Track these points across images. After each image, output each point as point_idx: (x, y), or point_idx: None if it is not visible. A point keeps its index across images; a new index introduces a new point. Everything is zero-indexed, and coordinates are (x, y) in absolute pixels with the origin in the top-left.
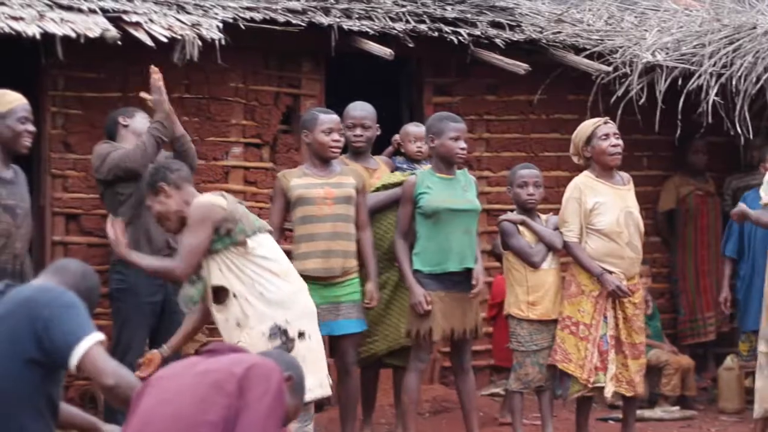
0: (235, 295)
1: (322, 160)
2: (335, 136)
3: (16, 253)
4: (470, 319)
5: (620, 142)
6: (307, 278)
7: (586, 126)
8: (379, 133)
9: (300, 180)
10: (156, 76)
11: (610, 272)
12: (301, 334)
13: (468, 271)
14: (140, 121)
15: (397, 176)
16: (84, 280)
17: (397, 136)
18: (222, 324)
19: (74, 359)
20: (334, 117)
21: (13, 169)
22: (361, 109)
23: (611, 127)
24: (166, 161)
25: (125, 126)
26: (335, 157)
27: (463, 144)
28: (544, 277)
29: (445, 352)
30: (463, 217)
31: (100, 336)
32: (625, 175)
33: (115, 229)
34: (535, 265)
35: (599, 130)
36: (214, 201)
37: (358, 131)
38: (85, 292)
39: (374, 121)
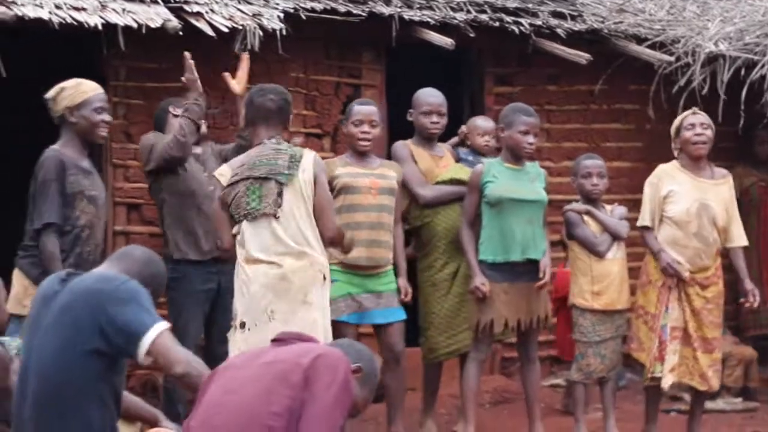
0: None
1: (358, 152)
2: (365, 128)
3: (97, 243)
4: (537, 309)
5: (706, 132)
6: (348, 267)
7: (679, 117)
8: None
9: (344, 169)
10: (187, 54)
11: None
12: (242, 325)
13: (532, 262)
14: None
15: (466, 172)
16: (148, 266)
17: (464, 128)
18: None
19: (143, 349)
20: (367, 109)
21: (88, 159)
22: (436, 96)
23: (698, 118)
24: (258, 88)
25: (176, 116)
26: (365, 149)
27: (531, 138)
28: (609, 266)
29: (508, 342)
30: (527, 208)
31: (166, 324)
32: (720, 171)
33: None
34: (600, 255)
35: (686, 121)
36: (218, 174)
37: (435, 118)
38: (149, 278)
39: (446, 109)
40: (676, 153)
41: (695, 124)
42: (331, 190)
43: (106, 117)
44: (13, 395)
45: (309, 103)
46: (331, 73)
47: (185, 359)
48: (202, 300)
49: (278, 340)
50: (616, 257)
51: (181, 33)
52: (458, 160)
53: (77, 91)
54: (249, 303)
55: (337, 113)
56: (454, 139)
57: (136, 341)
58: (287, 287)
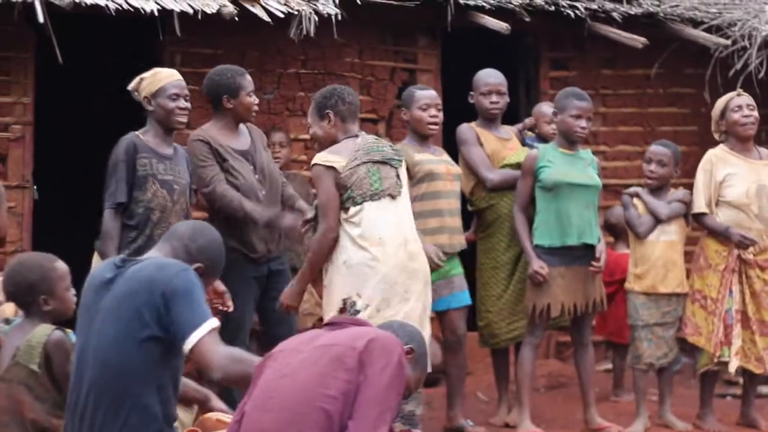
0: (330, 259)
1: (422, 137)
2: (432, 111)
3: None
4: (593, 293)
5: (754, 113)
6: None
7: (722, 99)
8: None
9: (421, 155)
10: None
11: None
12: (367, 307)
13: (588, 247)
14: (245, 98)
15: None
16: (193, 240)
17: (530, 119)
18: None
19: (188, 347)
20: (431, 93)
21: (174, 148)
22: (495, 76)
23: (744, 99)
24: (343, 89)
25: (228, 108)
26: (434, 133)
27: (584, 123)
28: (651, 249)
29: (562, 327)
30: (583, 192)
31: (213, 323)
32: (765, 151)
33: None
34: (639, 236)
35: (732, 103)
36: (325, 162)
37: (494, 98)
38: (197, 253)
39: (506, 88)
40: (718, 136)
41: (742, 106)
42: (412, 177)
43: (182, 103)
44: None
45: (364, 88)
46: (387, 58)
47: (222, 365)
48: (254, 286)
49: (331, 324)
50: (659, 240)
51: (236, 18)
52: (523, 144)
53: (154, 80)
54: (379, 284)
55: (392, 98)
56: (521, 125)
57: (182, 339)
58: (417, 268)
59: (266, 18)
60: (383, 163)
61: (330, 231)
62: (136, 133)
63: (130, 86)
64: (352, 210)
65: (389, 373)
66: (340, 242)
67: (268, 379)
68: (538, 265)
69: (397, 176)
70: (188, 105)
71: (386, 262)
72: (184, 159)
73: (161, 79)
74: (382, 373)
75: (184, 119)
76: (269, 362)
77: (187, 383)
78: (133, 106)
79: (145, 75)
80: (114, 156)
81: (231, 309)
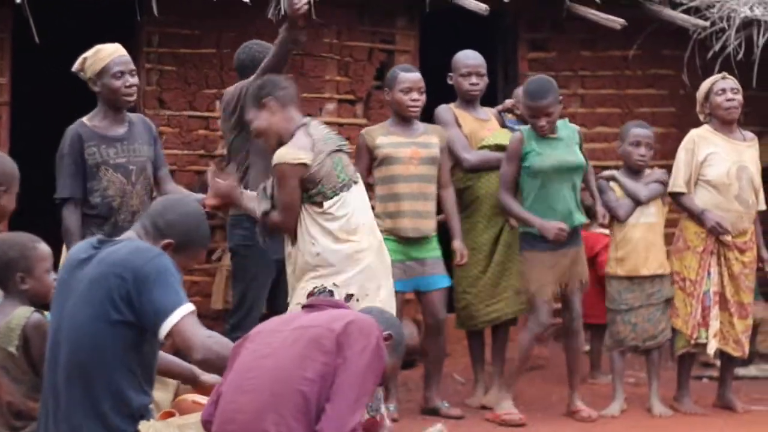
0: (298, 248)
1: (404, 118)
2: (414, 95)
3: (133, 210)
4: (578, 273)
5: (737, 97)
6: (396, 237)
7: (706, 82)
8: None
9: (386, 138)
10: None
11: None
12: (349, 296)
13: (575, 229)
14: None
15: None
16: (161, 216)
17: (510, 101)
18: (289, 273)
19: (163, 332)
20: (414, 76)
21: (129, 123)
22: (474, 57)
23: (729, 83)
24: (275, 77)
25: None
26: (414, 116)
27: (542, 122)
28: (631, 232)
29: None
30: (570, 175)
31: (189, 307)
32: (749, 134)
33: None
34: (619, 219)
35: (716, 86)
36: (295, 160)
37: (474, 79)
38: (166, 228)
39: (486, 70)
40: (702, 117)
41: (726, 89)
42: (374, 159)
43: (129, 80)
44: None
45: (342, 68)
46: (365, 39)
47: (205, 345)
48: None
49: (309, 306)
50: (638, 222)
51: None
52: (503, 126)
53: (96, 59)
54: (360, 274)
55: (371, 79)
56: (501, 107)
57: (158, 323)
58: (385, 254)
59: None
60: (338, 151)
61: (289, 231)
62: (83, 120)
63: (75, 67)
64: (327, 204)
65: (367, 356)
66: (311, 235)
67: (245, 360)
68: (555, 226)
69: (350, 162)
70: (135, 80)
71: (369, 251)
72: (144, 132)
73: (104, 58)
74: (361, 356)
75: (133, 97)
76: (247, 343)
77: (172, 359)
78: None
79: (87, 54)
80: (60, 149)
81: None
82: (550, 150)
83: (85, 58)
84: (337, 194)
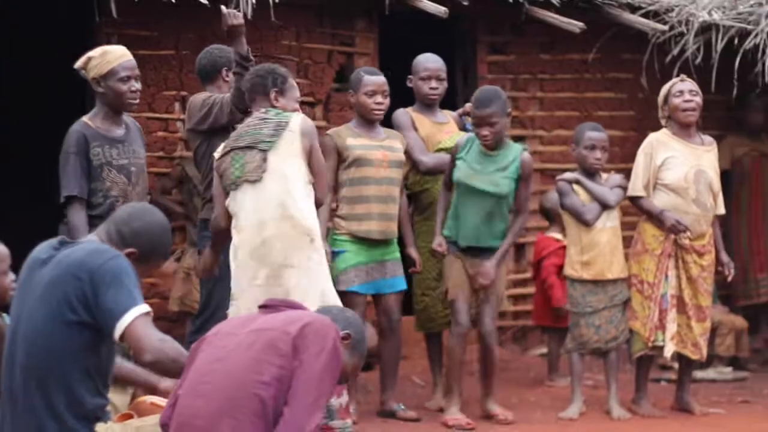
0: None
1: (368, 121)
2: (378, 98)
3: None
4: (493, 290)
5: (695, 98)
6: (358, 238)
7: (666, 85)
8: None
9: (356, 140)
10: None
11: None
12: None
13: (486, 249)
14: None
15: None
16: (127, 224)
17: (470, 105)
18: None
19: (117, 333)
20: (379, 79)
21: (125, 125)
22: (435, 61)
23: (687, 85)
24: (270, 66)
25: (227, 81)
26: (378, 119)
27: (485, 131)
28: (598, 236)
29: (501, 313)
30: (484, 199)
31: (144, 308)
32: (708, 138)
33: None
34: (587, 224)
35: (674, 88)
36: (216, 152)
37: (434, 83)
38: (130, 237)
39: (446, 74)
40: (663, 122)
41: (684, 91)
42: (343, 161)
43: (134, 85)
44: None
45: (302, 71)
46: (324, 41)
47: (156, 347)
48: None
49: (266, 307)
50: (605, 226)
51: (174, 1)
52: (463, 129)
53: (103, 61)
54: (236, 271)
55: (330, 81)
56: (461, 110)
57: (112, 324)
58: (267, 252)
59: (204, 0)
60: (249, 148)
61: (215, 220)
62: (85, 120)
63: (77, 64)
64: (227, 200)
65: (324, 359)
66: None
67: (201, 364)
68: (437, 242)
69: (264, 159)
70: (139, 86)
71: (242, 248)
72: (138, 134)
73: (111, 61)
74: (317, 359)
75: (136, 101)
76: (203, 345)
77: (132, 367)
78: (71, 88)
79: (93, 54)
80: (65, 148)
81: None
82: (475, 166)
83: (90, 58)
84: (231, 191)
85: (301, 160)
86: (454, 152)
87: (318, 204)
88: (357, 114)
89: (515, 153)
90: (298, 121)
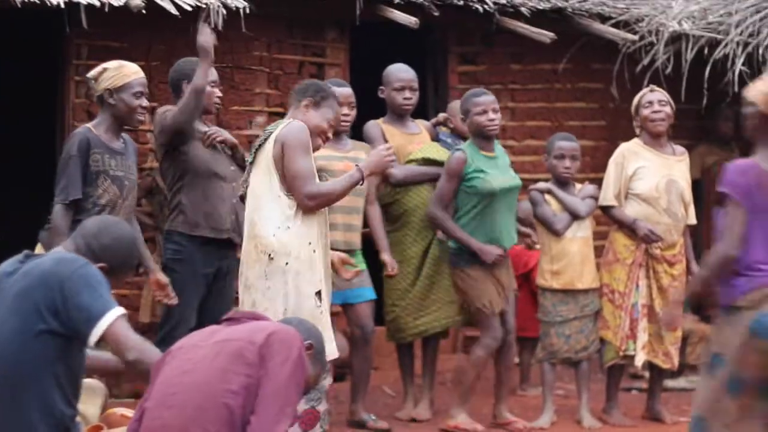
0: None
1: (334, 132)
2: (345, 110)
3: None
4: (509, 286)
5: (664, 109)
6: None
7: (637, 95)
8: None
9: (320, 151)
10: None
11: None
12: None
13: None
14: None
15: (440, 153)
16: (97, 238)
17: (443, 115)
18: None
19: (94, 337)
20: (345, 91)
21: (123, 140)
22: (407, 71)
23: (656, 95)
24: (321, 82)
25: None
26: (345, 131)
27: (492, 115)
28: (568, 245)
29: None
30: (510, 196)
31: (120, 310)
32: (679, 148)
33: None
34: (557, 233)
35: (644, 98)
36: None
37: (407, 93)
38: (100, 252)
39: (418, 84)
40: (638, 131)
41: (653, 102)
42: None
43: (144, 102)
44: None
45: (272, 81)
46: (295, 52)
47: (138, 346)
48: (202, 283)
49: (231, 319)
50: (576, 236)
51: (144, 11)
52: (436, 139)
53: (119, 74)
54: None
55: None
56: (435, 120)
57: (91, 326)
58: (240, 271)
59: (174, 11)
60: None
61: None
62: (89, 126)
63: (91, 74)
64: None
65: (289, 367)
66: None
67: (168, 376)
68: (493, 251)
69: (249, 173)
70: (147, 103)
71: None
72: (133, 152)
73: (128, 75)
74: (283, 367)
75: (144, 119)
76: (168, 358)
77: (100, 355)
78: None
79: (109, 66)
80: (66, 151)
81: (174, 302)
82: (493, 171)
83: (105, 69)
84: None
85: (270, 172)
86: (457, 171)
87: (302, 207)
88: None
89: (499, 148)
90: (280, 128)
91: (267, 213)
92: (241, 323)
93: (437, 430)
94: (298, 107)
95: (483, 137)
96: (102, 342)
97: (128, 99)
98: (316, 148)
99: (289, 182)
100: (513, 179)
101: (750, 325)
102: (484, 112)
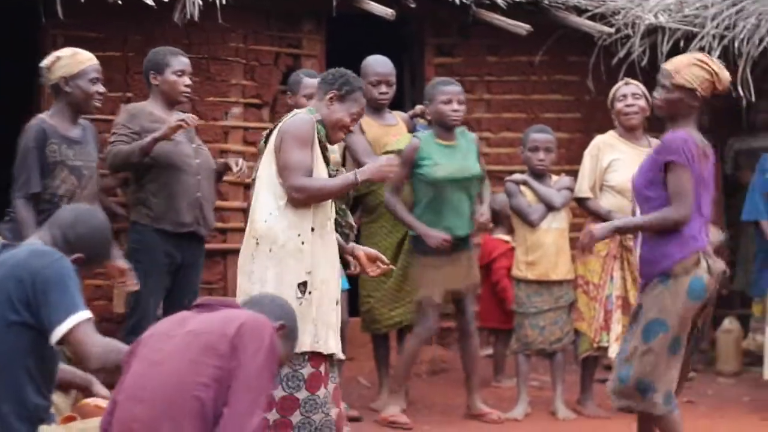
0: None
1: None
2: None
3: None
4: (468, 278)
5: (638, 102)
6: None
7: (613, 88)
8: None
9: None
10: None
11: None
12: None
13: (467, 236)
14: (170, 75)
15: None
16: (73, 228)
17: (421, 107)
18: None
19: (55, 337)
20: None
21: (82, 127)
22: (384, 65)
23: (631, 88)
24: (349, 72)
25: (156, 85)
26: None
27: (456, 105)
28: (543, 237)
29: (444, 313)
30: (462, 185)
31: (86, 314)
32: (655, 141)
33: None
34: (532, 224)
35: (618, 92)
36: None
37: (384, 88)
38: (75, 241)
39: (395, 78)
40: (616, 123)
41: (627, 95)
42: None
43: (101, 88)
44: None
45: (248, 73)
46: (271, 43)
47: (100, 353)
48: (165, 273)
49: (202, 306)
50: (551, 227)
51: (120, 2)
52: (413, 131)
53: (74, 61)
54: None
55: (277, 83)
56: (412, 112)
57: (54, 325)
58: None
59: (150, 2)
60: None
61: None
62: (43, 116)
63: (44, 63)
64: None
65: (262, 357)
66: None
67: (138, 368)
68: (438, 236)
69: (258, 160)
70: (103, 89)
71: None
72: (93, 136)
73: (83, 61)
74: (255, 358)
75: (100, 105)
76: (139, 348)
77: (68, 369)
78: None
79: (62, 54)
80: (24, 143)
81: (136, 288)
82: (445, 159)
83: (58, 57)
84: None
85: (271, 161)
86: (409, 158)
87: (289, 198)
88: None
89: (466, 137)
90: (290, 116)
91: (263, 199)
92: (213, 311)
93: (412, 421)
94: (323, 99)
95: (443, 126)
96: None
97: (84, 85)
98: (336, 141)
99: (279, 172)
100: (466, 170)
101: (687, 289)
102: (449, 101)
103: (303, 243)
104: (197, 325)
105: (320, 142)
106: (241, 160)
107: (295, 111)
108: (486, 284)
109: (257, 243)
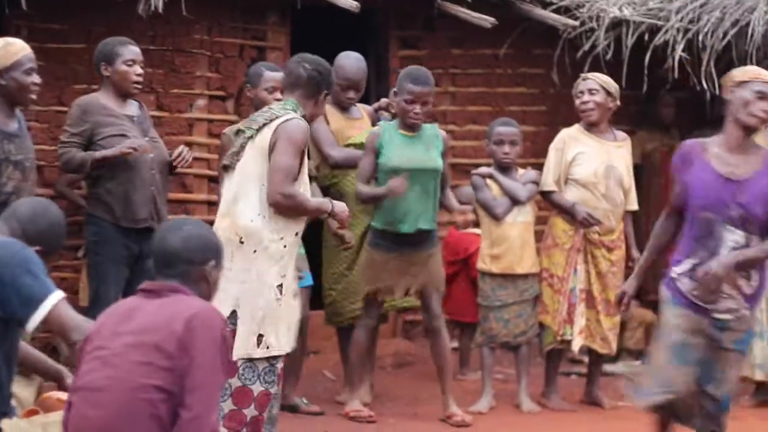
0: None
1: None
2: (278, 94)
3: None
4: (429, 276)
5: (594, 98)
6: None
7: (576, 82)
8: None
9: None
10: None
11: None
12: None
13: (424, 232)
14: (120, 65)
15: None
16: (33, 223)
17: (385, 100)
18: None
19: (34, 321)
20: (279, 75)
21: (17, 119)
22: (356, 72)
23: (587, 84)
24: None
25: (107, 76)
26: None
27: (417, 108)
28: (508, 230)
29: (409, 307)
30: (420, 177)
31: (60, 294)
32: (621, 134)
33: None
34: (497, 218)
35: (576, 88)
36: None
37: (352, 93)
38: (35, 236)
39: (365, 81)
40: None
41: (583, 92)
42: None
43: (36, 78)
44: None
45: (213, 65)
46: (236, 35)
47: (81, 326)
48: (124, 265)
49: (147, 291)
50: (516, 221)
51: None
52: (376, 124)
53: (6, 53)
54: None
55: (242, 75)
56: (377, 104)
57: (32, 310)
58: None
59: None
60: (242, 131)
61: None
62: None
63: None
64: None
65: (213, 351)
66: None
67: (89, 368)
68: (397, 183)
69: (243, 147)
70: (39, 80)
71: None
72: (25, 127)
73: (16, 52)
74: (206, 352)
75: (35, 96)
76: (88, 346)
77: (43, 358)
78: None
79: None
80: None
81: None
82: (403, 150)
83: None
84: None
85: (264, 158)
86: (371, 146)
87: (270, 201)
88: (255, 109)
89: (432, 130)
90: (284, 120)
91: (252, 196)
92: (160, 297)
93: (376, 414)
94: (314, 96)
95: (404, 123)
96: (39, 325)
97: (20, 77)
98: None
99: (269, 173)
100: (424, 162)
101: None
102: (412, 102)
103: (285, 246)
104: (144, 321)
105: None
106: (184, 148)
107: (291, 115)
108: (463, 279)
109: (241, 242)
